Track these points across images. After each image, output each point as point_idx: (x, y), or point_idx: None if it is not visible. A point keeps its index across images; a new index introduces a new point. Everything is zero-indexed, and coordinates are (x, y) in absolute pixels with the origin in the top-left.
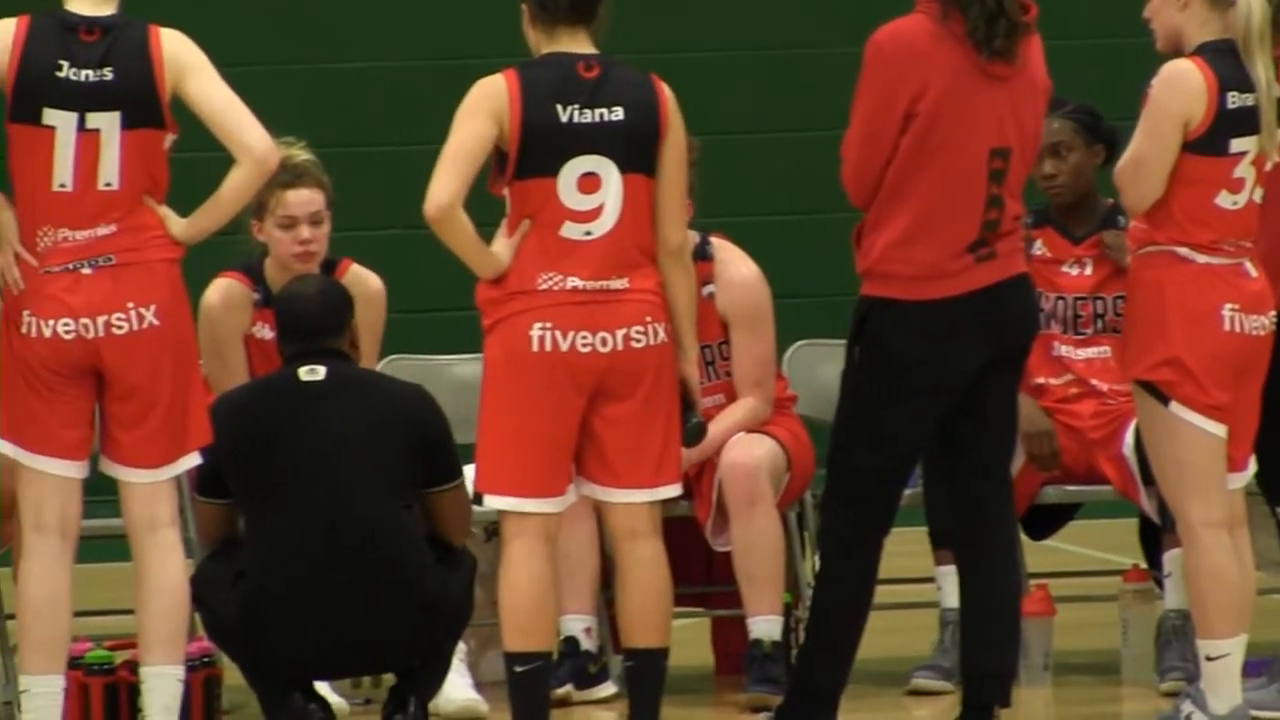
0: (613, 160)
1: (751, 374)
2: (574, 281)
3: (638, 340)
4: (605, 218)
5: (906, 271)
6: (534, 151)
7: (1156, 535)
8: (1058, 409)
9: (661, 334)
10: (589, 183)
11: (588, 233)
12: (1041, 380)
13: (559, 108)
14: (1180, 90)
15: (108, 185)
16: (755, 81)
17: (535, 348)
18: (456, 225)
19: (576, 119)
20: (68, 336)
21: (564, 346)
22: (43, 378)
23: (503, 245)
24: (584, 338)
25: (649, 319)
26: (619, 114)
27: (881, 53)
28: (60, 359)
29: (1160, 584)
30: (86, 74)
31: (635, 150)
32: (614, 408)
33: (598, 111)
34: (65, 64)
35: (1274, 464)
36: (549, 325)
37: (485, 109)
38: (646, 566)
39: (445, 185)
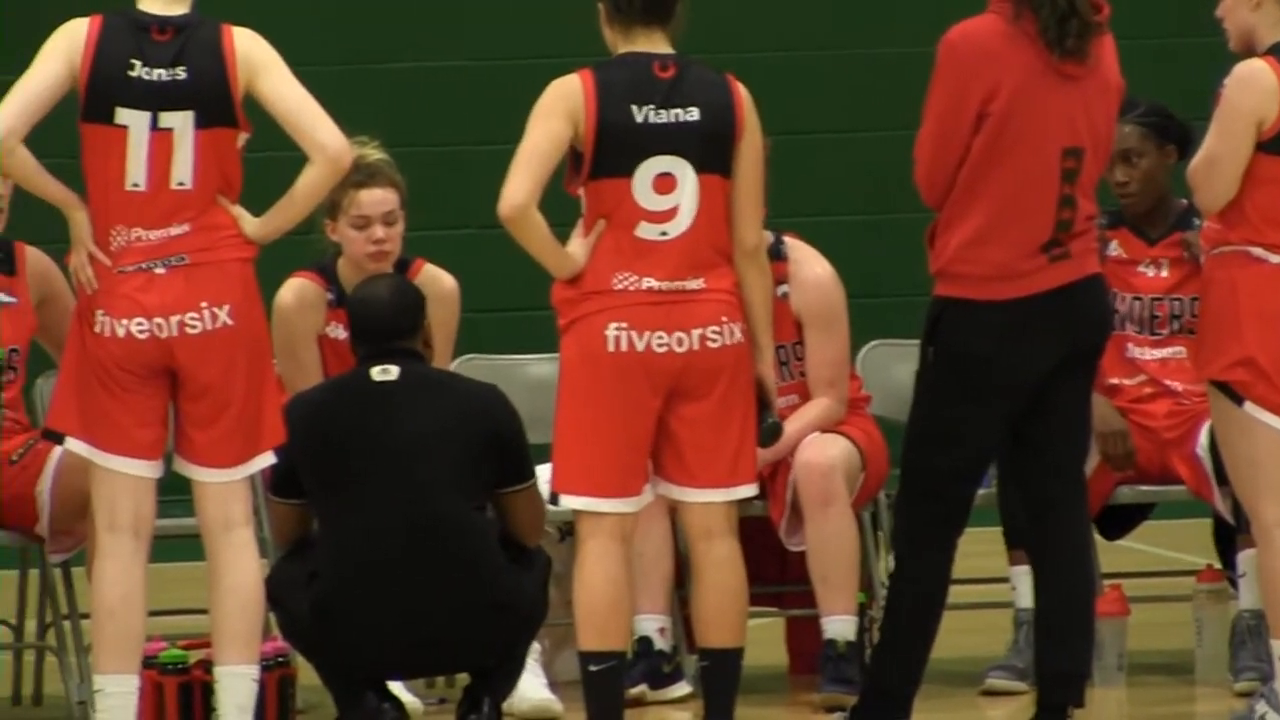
0: (688, 160)
1: (825, 374)
2: (650, 282)
3: (714, 340)
4: (681, 218)
5: (979, 271)
6: (609, 152)
7: (1230, 535)
8: (1132, 409)
9: (738, 334)
10: (664, 183)
11: (663, 233)
12: (1115, 381)
13: (634, 108)
14: (1253, 89)
15: (181, 185)
16: (828, 81)
17: (611, 348)
18: (531, 225)
19: (651, 119)
20: (141, 336)
21: (640, 346)
22: (116, 377)
23: (578, 245)
24: (660, 338)
25: (725, 319)
26: (694, 114)
27: (954, 52)
28: (134, 358)
29: (1234, 584)
30: (159, 73)
31: (710, 150)
32: (690, 407)
33: (673, 112)
34: (138, 63)
35: None
36: (625, 325)
37: (560, 109)
38: (722, 566)
39: (520, 185)
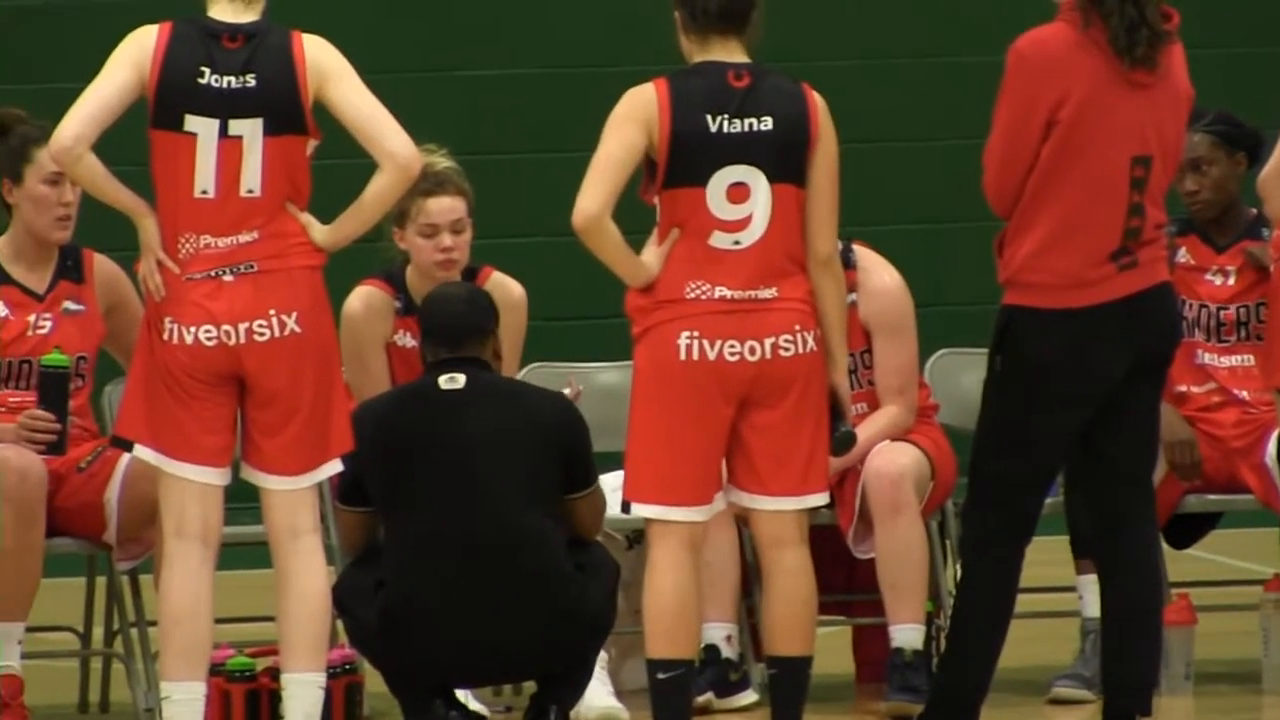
0: (761, 170)
1: (894, 382)
2: (722, 291)
3: (786, 349)
4: (754, 227)
5: (1048, 280)
6: (683, 161)
7: None
8: (1199, 417)
9: (810, 343)
10: (738, 192)
11: (736, 242)
12: (1184, 388)
13: (708, 117)
14: None
15: (250, 192)
16: (897, 89)
17: (683, 356)
18: (605, 235)
19: (726, 129)
20: (209, 343)
21: (711, 355)
22: (184, 384)
23: (652, 254)
24: (732, 346)
25: (798, 327)
26: (768, 124)
27: (1023, 61)
28: (202, 366)
29: None
30: (229, 81)
31: (784, 160)
32: (762, 416)
33: (747, 121)
34: (207, 71)
35: None
36: (696, 334)
37: (635, 118)
38: (792, 575)
39: (594, 195)
